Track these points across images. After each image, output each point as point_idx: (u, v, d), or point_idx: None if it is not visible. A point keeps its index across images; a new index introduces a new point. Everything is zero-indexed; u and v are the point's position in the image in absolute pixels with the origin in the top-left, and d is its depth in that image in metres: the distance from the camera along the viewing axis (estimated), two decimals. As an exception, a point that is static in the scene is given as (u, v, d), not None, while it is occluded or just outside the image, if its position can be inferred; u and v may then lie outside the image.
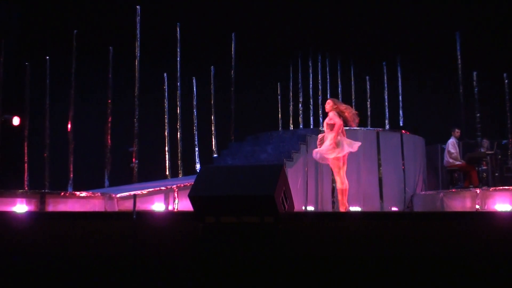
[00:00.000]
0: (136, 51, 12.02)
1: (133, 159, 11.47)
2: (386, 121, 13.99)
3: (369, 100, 14.01)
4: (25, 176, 11.46)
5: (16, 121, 11.98)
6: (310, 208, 10.46)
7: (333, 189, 10.74)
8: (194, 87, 12.96)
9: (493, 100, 13.52)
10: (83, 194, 9.17)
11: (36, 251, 5.64)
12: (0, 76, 11.63)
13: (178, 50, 12.67)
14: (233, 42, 13.34)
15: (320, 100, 14.11)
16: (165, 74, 12.66)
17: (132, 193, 9.00)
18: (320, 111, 14.04)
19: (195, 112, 12.84)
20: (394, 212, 10.50)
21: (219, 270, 5.40)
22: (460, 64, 13.04)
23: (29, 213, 7.30)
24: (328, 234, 5.47)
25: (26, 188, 11.07)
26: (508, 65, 13.12)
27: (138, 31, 12.04)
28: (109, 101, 11.93)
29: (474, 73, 12.79)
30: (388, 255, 5.20)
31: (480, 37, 14.05)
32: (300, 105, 13.99)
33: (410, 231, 5.35)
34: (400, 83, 14.27)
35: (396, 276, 5.04)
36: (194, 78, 12.95)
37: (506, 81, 12.54)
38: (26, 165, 11.56)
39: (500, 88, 12.73)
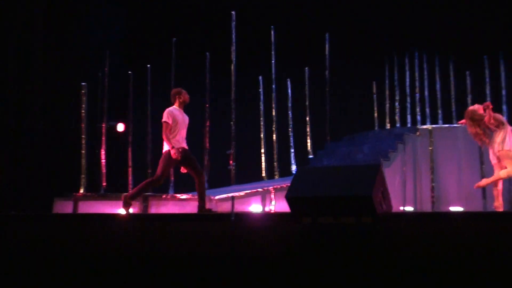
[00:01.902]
0: (232, 55, 12.29)
1: (231, 162, 11.71)
2: (487, 117, 13.40)
3: (469, 96, 13.48)
4: (129, 179, 11.98)
5: (120, 127, 12.58)
6: (409, 208, 10.24)
7: (433, 189, 10.47)
8: (289, 89, 13.04)
9: None
10: (184, 196, 9.49)
11: (139, 252, 5.89)
12: (106, 85, 12.23)
13: (272, 53, 12.82)
14: (326, 42, 13.31)
15: (417, 98, 13.75)
16: (260, 77, 12.83)
17: (230, 195, 9.20)
18: (417, 109, 13.68)
19: (290, 114, 12.92)
20: (498, 212, 10.05)
21: (317, 270, 5.41)
22: None
23: (133, 215, 7.64)
24: (428, 235, 5.34)
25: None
26: None
27: (233, 36, 12.31)
28: (207, 105, 12.26)
29: None
30: (491, 256, 5.01)
31: None
32: (396, 103, 13.71)
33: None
34: (503, 77, 13.63)
35: (497, 278, 4.85)
36: (288, 80, 13.04)
37: None
38: (130, 169, 12.08)
39: None
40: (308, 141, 12.82)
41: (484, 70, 13.59)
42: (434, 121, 13.44)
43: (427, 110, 13.75)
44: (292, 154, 12.59)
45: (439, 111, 13.70)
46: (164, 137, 7.50)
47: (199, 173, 7.67)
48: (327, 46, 13.27)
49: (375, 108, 13.59)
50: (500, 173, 7.97)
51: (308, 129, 12.90)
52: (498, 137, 7.99)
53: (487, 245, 5.10)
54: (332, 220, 5.38)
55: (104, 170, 11.67)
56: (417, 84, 13.85)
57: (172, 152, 7.39)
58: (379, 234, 5.29)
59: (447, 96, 13.73)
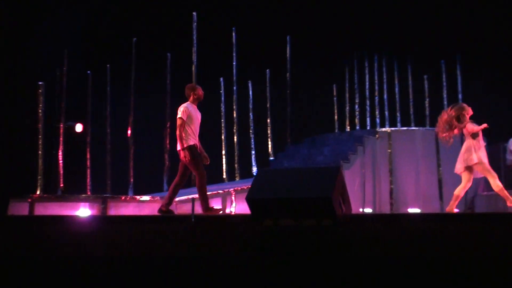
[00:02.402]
0: (193, 56, 12.23)
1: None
2: (445, 121, 13.68)
3: (427, 99, 13.74)
4: (88, 181, 11.80)
5: (79, 128, 12.38)
6: (368, 210, 10.36)
7: (391, 191, 10.62)
8: (250, 91, 13.05)
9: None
10: (143, 198, 9.39)
11: (98, 254, 5.81)
12: (63, 85, 12.02)
13: (233, 54, 12.81)
14: (288, 45, 13.37)
15: (376, 101, 13.94)
16: (221, 79, 12.81)
17: (190, 196, 9.14)
18: (377, 112, 13.86)
19: (251, 116, 12.93)
20: (455, 213, 10.27)
21: (277, 273, 5.42)
22: (523, 60, 12.64)
23: (91, 217, 7.52)
24: (386, 236, 5.41)
25: (89, 193, 11.41)
26: None
27: (194, 37, 12.25)
28: (167, 106, 12.17)
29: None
30: (448, 257, 5.10)
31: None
32: (356, 106, 13.86)
33: (471, 233, 5.23)
34: (459, 82, 13.94)
35: (455, 278, 4.94)
36: (250, 81, 13.05)
37: None
38: (88, 170, 11.90)
39: None
40: (269, 143, 12.86)
41: (441, 74, 13.87)
42: (392, 124, 13.64)
43: (386, 113, 13.95)
44: (253, 156, 12.60)
45: (398, 114, 13.92)
46: (178, 133, 7.42)
47: (201, 174, 7.52)
48: (288, 48, 13.33)
49: (336, 111, 13.72)
50: (495, 189, 8.00)
51: (269, 131, 12.94)
52: (471, 148, 8.06)
53: (443, 245, 5.19)
54: (292, 222, 5.40)
55: (61, 171, 11.47)
56: (376, 87, 14.03)
57: (182, 154, 7.35)
58: (339, 236, 5.33)
59: (405, 100, 13.96)
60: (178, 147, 7.51)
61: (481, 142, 8.09)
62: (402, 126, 13.44)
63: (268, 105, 13.11)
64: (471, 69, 14.09)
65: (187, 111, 7.54)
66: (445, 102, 13.72)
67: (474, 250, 5.11)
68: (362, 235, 5.43)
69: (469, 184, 8.13)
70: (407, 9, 13.96)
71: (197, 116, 7.70)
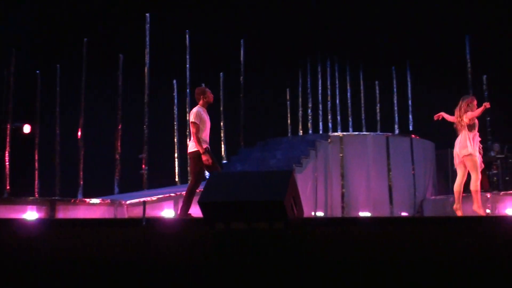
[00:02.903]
0: (146, 58, 12.09)
1: (143, 166, 11.52)
2: (396, 126, 13.96)
3: (378, 105, 13.98)
4: (36, 183, 11.52)
5: (27, 129, 12.07)
6: (320, 213, 10.44)
7: (343, 195, 10.74)
8: (204, 94, 12.99)
9: (503, 103, 13.44)
10: (93, 201, 9.22)
11: (46, 259, 5.67)
12: (11, 85, 11.71)
13: (187, 57, 12.74)
14: (241, 48, 13.38)
15: (329, 106, 14.10)
16: (174, 81, 12.71)
17: (141, 199, 9.04)
18: (329, 117, 14.02)
19: (204, 119, 12.86)
20: (404, 217, 10.46)
21: (230, 276, 5.40)
22: (470, 67, 13.00)
23: (39, 220, 7.34)
24: (338, 240, 5.46)
25: (37, 196, 11.13)
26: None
27: (147, 39, 12.12)
28: (119, 108, 11.99)
29: (484, 77, 12.73)
30: (398, 260, 5.18)
31: (489, 41, 13.99)
32: (309, 110, 13.98)
33: (420, 236, 5.33)
34: (409, 88, 14.24)
35: (404, 281, 5.02)
36: (203, 84, 12.99)
37: (516, 84, 12.48)
38: (36, 172, 11.62)
39: (510, 91, 12.67)
40: (222, 146, 12.83)
41: (392, 80, 14.13)
42: (344, 129, 13.82)
43: (338, 117, 14.13)
44: (206, 159, 12.52)
45: (350, 119, 14.11)
46: (194, 138, 7.32)
47: (198, 179, 7.46)
48: (242, 52, 13.35)
49: (289, 115, 13.81)
50: (471, 188, 7.96)
51: (222, 134, 12.91)
52: (465, 140, 8.05)
53: (393, 248, 5.27)
54: (244, 226, 5.39)
55: (8, 173, 11.15)
56: (329, 92, 14.19)
57: (204, 157, 7.27)
58: (290, 239, 5.35)
59: (357, 105, 14.17)
60: (190, 150, 7.44)
61: (476, 137, 8.06)
62: (353, 130, 13.63)
63: (221, 108, 13.09)
64: (420, 76, 14.41)
65: (200, 115, 7.46)
66: (395, 108, 13.99)
67: (423, 253, 5.20)
68: (313, 239, 5.47)
69: (464, 178, 8.05)
70: (359, 16, 14.19)
71: (208, 120, 7.63)
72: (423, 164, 11.61)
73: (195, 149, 7.33)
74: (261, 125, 13.82)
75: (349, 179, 10.83)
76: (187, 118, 12.55)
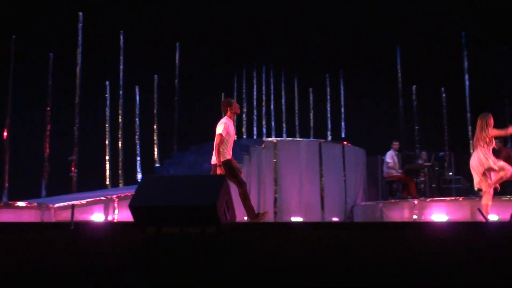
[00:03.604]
0: (78, 58, 11.78)
1: (72, 168, 11.21)
2: (329, 133, 14.20)
3: (312, 112, 14.18)
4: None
5: None
6: (252, 219, 10.45)
7: (275, 200, 10.80)
8: (137, 96, 12.80)
9: (431, 113, 13.92)
10: (19, 204, 8.88)
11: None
12: None
13: (121, 58, 12.51)
14: (177, 52, 13.27)
15: (263, 111, 14.18)
16: (107, 82, 12.45)
17: (70, 203, 8.77)
18: (263, 122, 14.10)
19: (137, 121, 12.67)
20: (335, 222, 10.63)
21: (160, 281, 5.32)
22: (400, 78, 13.38)
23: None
24: (270, 244, 5.47)
25: (-40, 198, 10.64)
26: (446, 80, 13.56)
27: (80, 38, 11.82)
28: (48, 108, 11.64)
29: (414, 87, 13.14)
30: (329, 265, 5.24)
31: (419, 53, 14.47)
32: (243, 115, 14.02)
33: (350, 241, 5.41)
34: (342, 96, 14.52)
35: (335, 285, 5.08)
36: (137, 87, 12.80)
37: (444, 95, 12.95)
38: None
39: (438, 102, 13.13)
40: (155, 149, 12.66)
41: (326, 88, 14.37)
42: (278, 134, 13.93)
43: (273, 123, 14.23)
44: (138, 162, 12.35)
45: (284, 125, 14.24)
46: (216, 149, 7.46)
47: (241, 183, 7.51)
48: (177, 54, 13.23)
49: (223, 119, 13.76)
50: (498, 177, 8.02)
51: (155, 138, 12.73)
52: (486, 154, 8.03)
53: (325, 253, 5.33)
54: (176, 230, 5.33)
55: None
56: (263, 98, 14.28)
57: (219, 170, 7.37)
58: (222, 244, 5.32)
59: (291, 111, 14.32)
60: (213, 161, 7.55)
61: (491, 149, 8.14)
62: (287, 136, 13.76)
63: (155, 111, 12.92)
64: (353, 84, 14.73)
65: (227, 128, 7.54)
66: (329, 115, 14.23)
67: (353, 257, 5.28)
68: (246, 243, 5.46)
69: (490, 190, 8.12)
70: (295, 25, 14.36)
71: (233, 130, 7.75)
72: (354, 171, 11.84)
73: (224, 159, 7.46)
74: (195, 129, 13.73)
75: (282, 184, 10.91)
76: (119, 120, 12.33)
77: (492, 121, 7.98)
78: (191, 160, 11.60)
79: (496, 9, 14.72)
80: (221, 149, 7.49)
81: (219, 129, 7.52)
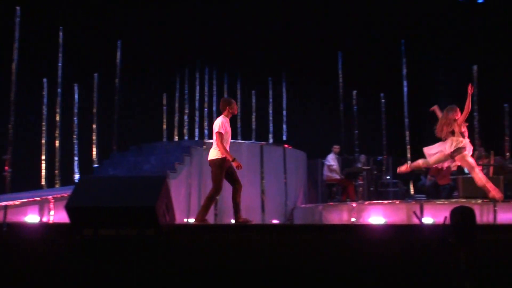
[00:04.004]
0: (14, 53, 11.38)
1: (6, 168, 10.82)
2: (270, 135, 14.26)
3: (254, 114, 14.22)
4: None
5: None
6: (192, 220, 10.38)
7: (216, 202, 10.75)
8: (76, 94, 12.48)
9: (370, 118, 14.21)
10: None
11: None
12: None
13: (59, 55, 12.17)
14: (118, 50, 13.02)
15: (206, 112, 14.11)
16: (44, 79, 12.09)
17: (3, 203, 8.46)
18: (205, 123, 14.03)
19: (75, 120, 12.35)
20: (275, 224, 10.68)
21: (97, 284, 5.21)
22: (341, 82, 13.59)
23: None
24: (210, 246, 5.44)
25: None
26: (385, 86, 13.87)
27: (16, 33, 11.43)
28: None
29: (354, 92, 13.36)
30: (269, 266, 5.25)
31: (360, 58, 14.76)
32: (185, 116, 13.91)
33: (290, 243, 5.45)
34: (284, 99, 14.62)
35: (275, 286, 5.10)
36: (76, 85, 12.49)
37: (383, 100, 13.22)
38: None
39: (377, 107, 13.41)
40: (94, 149, 12.37)
41: (268, 90, 14.44)
42: (220, 136, 13.87)
43: (215, 125, 14.17)
44: (76, 162, 12.04)
45: (226, 127, 14.20)
46: (220, 147, 7.56)
47: (237, 181, 7.75)
48: (118, 53, 12.98)
49: (164, 120, 13.63)
50: (477, 180, 8.54)
51: (94, 137, 12.45)
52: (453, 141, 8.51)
53: (265, 254, 5.34)
54: (114, 232, 5.24)
55: None
56: (206, 99, 14.22)
57: (235, 164, 7.57)
58: (162, 246, 5.26)
59: (233, 113, 14.29)
60: (210, 157, 7.74)
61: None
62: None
63: (94, 110, 12.63)
64: (295, 87, 14.87)
65: (224, 125, 7.67)
66: (271, 118, 14.30)
67: (294, 259, 5.32)
68: (185, 245, 5.41)
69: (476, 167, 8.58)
70: (239, 26, 14.38)
71: (230, 129, 7.86)
72: (295, 173, 11.94)
73: (218, 157, 7.61)
74: (135, 129, 13.53)
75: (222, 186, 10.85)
76: (56, 119, 12.00)
77: (458, 115, 8.58)
78: (131, 161, 11.41)
79: (434, 19, 15.19)
80: (221, 146, 7.60)
81: (217, 127, 7.64)
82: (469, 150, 8.68)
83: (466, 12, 15.11)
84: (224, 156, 7.63)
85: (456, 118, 8.65)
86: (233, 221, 7.81)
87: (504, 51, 14.64)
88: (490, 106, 13.20)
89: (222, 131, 7.63)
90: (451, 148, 8.58)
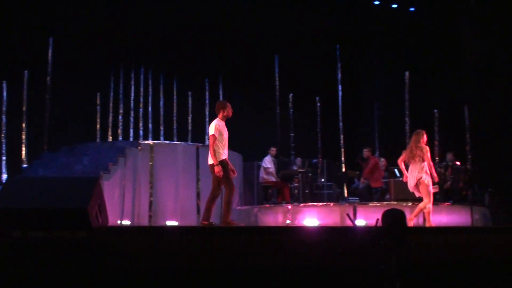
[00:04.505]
0: None
1: None
2: (206, 137, 14.19)
3: (190, 116, 14.12)
4: None
5: None
6: (126, 222, 10.21)
7: (151, 203, 10.61)
8: (5, 92, 12.02)
9: (306, 121, 14.38)
10: None
11: None
12: None
13: (-13, 51, 11.72)
14: (50, 47, 12.63)
15: (141, 113, 13.90)
16: (-30, 77, 11.61)
17: None
18: (140, 124, 13.81)
19: (4, 119, 11.91)
20: (210, 227, 10.62)
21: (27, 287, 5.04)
22: (278, 86, 13.70)
23: None
24: (144, 248, 5.36)
25: None
26: (320, 89, 14.08)
27: None
28: None
29: (290, 95, 13.49)
30: (204, 268, 5.22)
31: (296, 62, 14.93)
32: (120, 116, 13.65)
33: (226, 245, 5.43)
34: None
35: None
36: (4, 82, 12.04)
37: (318, 104, 13.41)
38: None
39: (313, 110, 13.59)
40: (23, 149, 11.95)
41: (205, 92, 14.38)
42: (155, 137, 13.72)
43: (150, 125, 14.00)
44: (4, 162, 11.60)
45: (161, 128, 14.05)
46: (211, 150, 7.72)
47: (231, 185, 7.83)
48: (50, 50, 12.59)
49: (98, 120, 13.32)
50: (420, 205, 8.59)
51: (23, 136, 12.03)
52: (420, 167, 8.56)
53: (200, 256, 5.31)
54: (44, 235, 5.10)
55: None
56: (141, 99, 14.01)
57: (217, 169, 7.63)
58: (94, 248, 5.14)
59: (169, 114, 14.16)
60: (210, 162, 7.81)
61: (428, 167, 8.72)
62: (165, 139, 13.59)
63: (24, 109, 12.20)
64: (232, 90, 14.87)
65: (218, 128, 7.78)
66: (207, 119, 14.24)
67: (229, 260, 5.31)
68: (119, 247, 5.31)
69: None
70: (176, 26, 14.26)
71: (226, 132, 7.97)
72: (231, 175, 11.91)
73: (220, 159, 7.74)
74: (67, 129, 13.16)
75: (158, 187, 10.74)
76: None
77: (425, 138, 8.74)
78: (63, 161, 11.10)
79: (368, 25, 15.55)
80: (216, 150, 7.73)
81: (211, 130, 7.78)
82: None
83: (399, 19, 15.55)
84: (225, 157, 7.81)
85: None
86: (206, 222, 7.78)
87: (434, 58, 15.15)
88: (421, 112, 13.64)
89: (216, 134, 7.74)
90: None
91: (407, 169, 8.76)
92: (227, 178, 7.82)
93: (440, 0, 14.77)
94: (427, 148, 8.73)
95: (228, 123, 8.25)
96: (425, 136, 8.80)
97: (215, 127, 7.80)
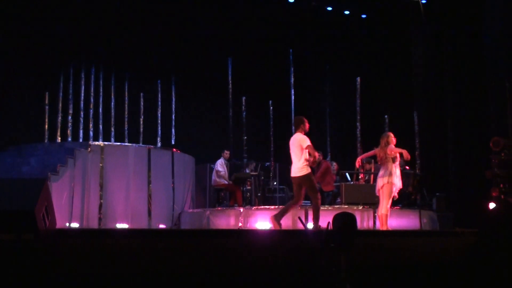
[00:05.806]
0: None
1: None
2: (158, 139, 14.07)
3: (142, 117, 13.96)
4: None
5: None
6: (75, 224, 10.01)
7: (101, 206, 10.44)
8: None
9: (258, 124, 14.43)
10: None
11: None
12: None
13: None
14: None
15: (91, 114, 13.65)
16: None
17: None
18: (91, 125, 13.56)
19: None
20: (161, 229, 10.54)
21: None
22: (231, 88, 13.69)
23: None
24: (94, 251, 5.26)
25: None
26: (273, 93, 14.15)
27: None
28: None
29: (243, 98, 13.51)
30: (154, 271, 5.16)
31: (250, 65, 14.97)
32: (69, 117, 13.36)
33: (177, 248, 5.38)
34: (173, 102, 14.49)
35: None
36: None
37: (271, 107, 13.47)
38: None
39: (265, 114, 13.64)
40: (-33, 149, 11.58)
41: (157, 94, 14.24)
42: (106, 138, 13.50)
43: (100, 126, 13.76)
44: None
45: (112, 129, 13.83)
46: (316, 156, 8.49)
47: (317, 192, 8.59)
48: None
49: (47, 120, 13.00)
50: (382, 211, 8.66)
51: (-32, 136, 11.66)
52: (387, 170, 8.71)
53: (151, 260, 5.25)
54: (-12, 237, 4.95)
55: None
56: (92, 100, 13.75)
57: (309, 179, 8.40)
58: (41, 251, 5.02)
59: (120, 115, 13.96)
60: (298, 174, 8.43)
61: (398, 169, 8.84)
62: (116, 141, 13.39)
63: (-31, 108, 11.83)
64: (185, 92, 14.79)
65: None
66: (159, 121, 14.11)
67: (180, 263, 5.26)
68: (67, 250, 5.20)
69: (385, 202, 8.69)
70: (129, 26, 14.07)
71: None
72: (183, 178, 11.85)
73: (306, 172, 8.39)
74: (14, 128, 12.80)
75: (108, 190, 10.57)
76: None
77: (392, 139, 8.91)
78: (9, 161, 10.80)
79: (321, 31, 15.72)
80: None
81: (306, 142, 8.40)
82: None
83: (351, 26, 15.78)
84: (310, 170, 8.45)
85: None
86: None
87: (385, 65, 15.45)
88: (371, 117, 13.87)
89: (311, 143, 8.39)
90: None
91: (378, 170, 9.04)
92: (315, 186, 8.55)
93: (391, 8, 15.05)
94: (392, 147, 8.83)
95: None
96: (391, 137, 8.95)
97: (306, 138, 8.40)
